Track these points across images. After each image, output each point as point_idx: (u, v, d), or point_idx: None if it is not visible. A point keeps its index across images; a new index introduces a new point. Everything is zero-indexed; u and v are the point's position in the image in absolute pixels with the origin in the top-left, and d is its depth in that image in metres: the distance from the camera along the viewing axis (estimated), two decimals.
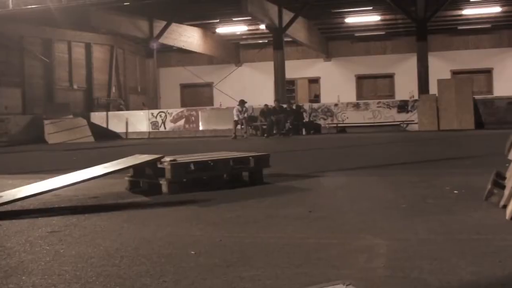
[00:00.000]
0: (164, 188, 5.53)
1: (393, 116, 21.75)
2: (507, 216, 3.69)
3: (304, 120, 22.24)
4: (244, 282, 2.56)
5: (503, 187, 4.20)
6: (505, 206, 3.92)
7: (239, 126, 20.69)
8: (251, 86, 30.61)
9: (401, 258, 2.85)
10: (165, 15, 25.19)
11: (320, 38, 30.33)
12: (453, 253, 2.90)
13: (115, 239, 3.51)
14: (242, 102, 20.97)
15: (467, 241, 3.17)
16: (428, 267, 2.66)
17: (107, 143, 18.96)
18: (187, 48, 28.90)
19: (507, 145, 4.22)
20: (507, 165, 4.70)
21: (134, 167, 5.78)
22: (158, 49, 26.77)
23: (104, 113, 24.95)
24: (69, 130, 21.77)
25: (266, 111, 21.44)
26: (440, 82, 21.23)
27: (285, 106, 22.00)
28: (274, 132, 20.63)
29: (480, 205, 4.19)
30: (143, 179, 5.89)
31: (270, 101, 23.05)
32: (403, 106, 21.89)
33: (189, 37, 28.45)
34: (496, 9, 25.95)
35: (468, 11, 26.22)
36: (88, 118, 23.70)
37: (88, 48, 26.09)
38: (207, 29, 29.36)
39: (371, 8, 25.41)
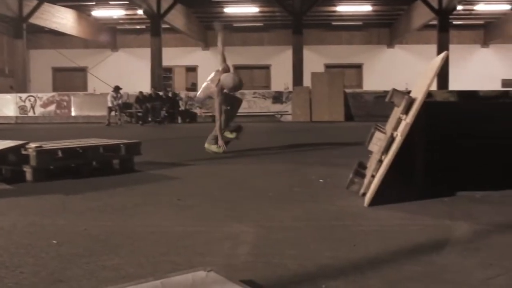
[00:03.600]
0: (29, 176, 5.30)
1: (268, 106, 22.27)
2: (366, 203, 3.91)
3: (180, 109, 22.16)
4: (106, 271, 2.52)
5: (364, 176, 4.44)
6: (364, 194, 4.16)
7: (113, 113, 20.26)
8: (127, 72, 30.03)
9: (265, 245, 2.93)
10: None
11: (199, 26, 30.32)
12: (313, 239, 3.03)
13: None
14: (116, 88, 20.52)
15: (327, 227, 3.32)
16: (289, 253, 2.76)
17: None
18: (60, 30, 27.72)
19: (368, 137, 4.45)
20: (370, 155, 4.97)
21: None
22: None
23: None
24: None
25: (141, 98, 21.13)
26: (313, 75, 22.00)
27: (161, 93, 21.80)
28: (149, 119, 20.41)
29: (342, 194, 4.40)
30: (5, 166, 5.60)
31: (147, 88, 22.75)
32: (278, 97, 22.46)
33: (62, 18, 27.28)
34: (367, 8, 27.32)
35: (342, 8, 27.37)
36: None
37: None
38: (82, 11, 28.32)
39: None
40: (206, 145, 8.20)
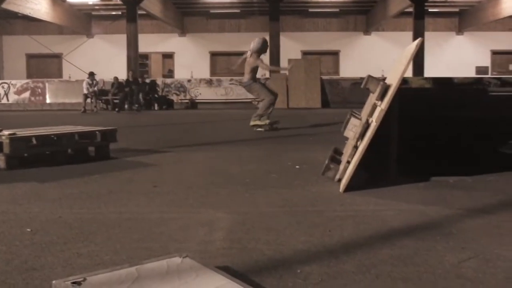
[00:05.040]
0: (2, 164, 5.24)
1: (245, 93, 22.13)
2: (341, 189, 3.93)
3: (158, 94, 22.07)
4: (81, 258, 2.50)
5: (339, 162, 4.46)
6: (340, 180, 4.18)
7: (89, 100, 20.06)
8: (103, 58, 29.69)
9: (240, 231, 2.94)
10: None
11: (175, 13, 30.06)
12: (288, 224, 3.05)
13: None
14: (92, 75, 20.31)
15: (303, 213, 3.34)
16: (264, 238, 2.77)
17: None
18: (34, 16, 27.21)
19: (344, 123, 4.47)
20: (346, 142, 5.00)
21: None
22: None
23: None
24: None
25: (117, 85, 20.95)
26: (290, 61, 21.96)
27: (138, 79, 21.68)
28: (126, 107, 20.26)
29: (318, 179, 4.43)
30: None
31: (123, 75, 22.54)
32: None
33: (36, 4, 26.75)
34: None
35: None
36: None
37: None
38: None
39: None
40: (251, 123, 9.37)
